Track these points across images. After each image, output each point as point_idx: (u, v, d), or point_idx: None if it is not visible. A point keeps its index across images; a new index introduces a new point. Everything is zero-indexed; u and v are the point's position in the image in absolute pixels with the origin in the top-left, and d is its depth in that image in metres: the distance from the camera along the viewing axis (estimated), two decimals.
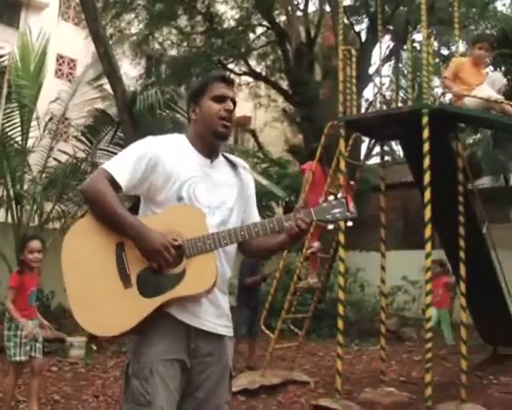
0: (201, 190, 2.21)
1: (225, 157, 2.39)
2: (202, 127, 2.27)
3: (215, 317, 2.20)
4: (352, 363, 7.81)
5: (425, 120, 4.96)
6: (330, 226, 2.22)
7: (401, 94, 9.31)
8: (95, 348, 7.81)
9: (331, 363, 7.25)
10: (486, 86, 5.35)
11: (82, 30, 15.85)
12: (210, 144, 2.29)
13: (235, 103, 2.28)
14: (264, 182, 2.04)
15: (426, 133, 4.96)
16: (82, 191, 2.22)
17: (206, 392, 2.18)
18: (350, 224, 2.20)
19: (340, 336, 5.60)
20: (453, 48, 12.32)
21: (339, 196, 2.19)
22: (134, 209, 2.26)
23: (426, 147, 4.97)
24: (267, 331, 6.50)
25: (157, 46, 16.67)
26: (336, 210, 2.16)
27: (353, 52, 5.57)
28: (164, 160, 2.18)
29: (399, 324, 10.46)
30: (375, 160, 15.92)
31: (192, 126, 2.32)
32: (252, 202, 2.44)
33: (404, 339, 9.81)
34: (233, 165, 2.38)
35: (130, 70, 15.81)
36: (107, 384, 6.08)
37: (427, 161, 4.98)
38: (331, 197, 2.19)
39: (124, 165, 2.17)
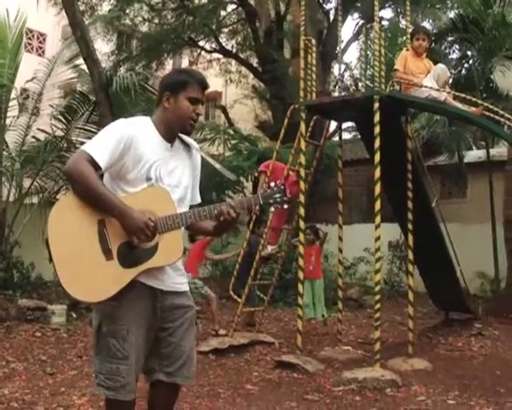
0: (164, 172, 2.51)
1: (180, 138, 2.66)
2: (172, 118, 2.54)
3: (176, 277, 2.59)
4: (315, 327, 8.39)
5: (376, 105, 5.48)
6: (272, 208, 2.72)
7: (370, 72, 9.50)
8: (74, 315, 8.22)
9: (296, 327, 7.80)
10: (430, 80, 5.83)
11: (53, 6, 15.72)
12: (173, 132, 2.58)
13: (203, 105, 2.65)
14: (217, 166, 2.37)
15: (377, 117, 5.49)
16: (65, 172, 2.42)
17: (179, 336, 2.59)
18: (286, 206, 2.68)
19: (299, 299, 6.18)
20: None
21: (278, 182, 2.68)
22: None
23: (377, 129, 5.50)
24: (235, 296, 7.06)
25: (128, 22, 16.70)
26: (277, 195, 2.64)
27: (313, 42, 6.08)
28: (135, 143, 2.43)
29: (362, 292, 10.97)
30: (344, 136, 16.38)
31: (161, 111, 2.57)
32: (196, 182, 2.76)
33: (365, 307, 10.32)
34: (187, 146, 2.68)
35: (102, 47, 15.86)
36: (88, 347, 6.48)
37: (377, 142, 5.52)
38: (272, 184, 2.68)
39: (102, 147, 2.38)
